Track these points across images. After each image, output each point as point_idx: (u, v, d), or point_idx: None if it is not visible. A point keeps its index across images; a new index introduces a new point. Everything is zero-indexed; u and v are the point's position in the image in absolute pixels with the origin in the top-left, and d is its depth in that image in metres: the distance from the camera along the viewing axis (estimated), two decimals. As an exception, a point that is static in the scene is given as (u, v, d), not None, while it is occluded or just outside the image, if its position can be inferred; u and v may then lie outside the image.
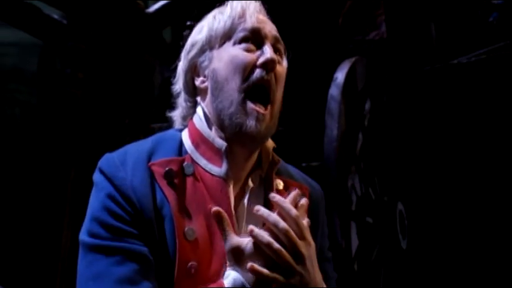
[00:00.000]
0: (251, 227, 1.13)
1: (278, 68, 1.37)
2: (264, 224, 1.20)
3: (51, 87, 3.97)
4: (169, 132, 1.45)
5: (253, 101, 1.32)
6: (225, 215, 1.17)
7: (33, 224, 3.58)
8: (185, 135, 1.40)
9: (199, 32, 1.43)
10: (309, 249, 1.16)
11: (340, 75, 3.32)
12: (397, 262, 3.48)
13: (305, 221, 1.19)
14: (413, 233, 3.64)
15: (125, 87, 2.98)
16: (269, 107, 1.34)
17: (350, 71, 3.36)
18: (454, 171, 3.79)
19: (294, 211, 1.16)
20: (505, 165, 3.62)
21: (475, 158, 3.75)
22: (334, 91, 3.27)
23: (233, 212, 1.32)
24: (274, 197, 1.15)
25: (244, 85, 1.32)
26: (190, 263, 1.22)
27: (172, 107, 1.55)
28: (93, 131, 2.81)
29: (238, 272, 1.15)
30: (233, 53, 1.35)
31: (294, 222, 1.15)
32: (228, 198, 1.31)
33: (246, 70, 1.33)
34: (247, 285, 1.13)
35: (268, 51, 1.34)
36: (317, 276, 1.18)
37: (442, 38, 4.39)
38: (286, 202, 1.16)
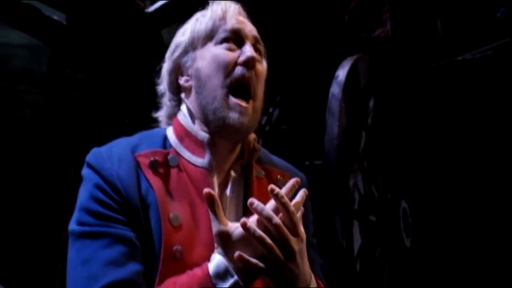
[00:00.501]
0: (244, 219, 1.13)
1: (258, 66, 1.43)
2: (245, 212, 1.25)
3: (61, 89, 4.01)
4: (155, 129, 1.51)
5: (235, 96, 1.37)
6: (217, 197, 1.18)
7: (34, 224, 3.62)
8: (170, 131, 1.46)
9: (183, 34, 1.49)
10: (300, 244, 1.17)
11: (342, 73, 3.31)
12: (401, 261, 3.47)
13: (299, 213, 1.19)
14: (418, 231, 3.62)
15: (124, 87, 3.00)
16: (251, 102, 1.39)
17: (352, 68, 3.35)
18: (459, 168, 3.76)
19: (291, 207, 1.16)
20: (510, 162, 3.59)
21: (480, 154, 3.71)
22: (335, 89, 3.26)
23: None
24: (274, 189, 1.15)
25: (227, 81, 1.38)
26: (175, 247, 1.25)
27: (158, 107, 1.59)
28: (93, 131, 2.84)
29: (223, 256, 1.16)
30: (215, 52, 1.41)
31: (289, 217, 1.16)
32: (212, 188, 1.32)
33: (228, 68, 1.39)
34: (231, 270, 1.14)
35: (248, 50, 1.41)
36: (306, 271, 1.20)
37: (449, 34, 4.36)
38: (284, 197, 1.15)
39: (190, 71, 1.45)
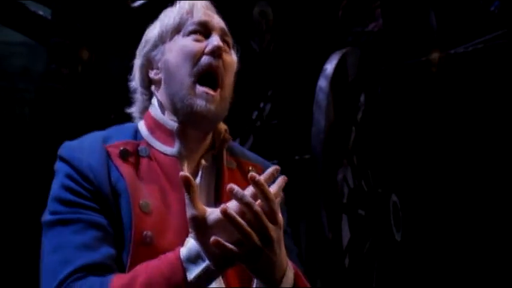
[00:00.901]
0: (224, 205, 1.13)
1: (226, 57, 1.46)
2: (216, 202, 1.27)
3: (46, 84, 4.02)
4: (126, 123, 1.56)
5: (203, 85, 1.40)
6: (194, 181, 1.17)
7: (35, 222, 3.61)
8: (141, 124, 1.50)
9: (153, 30, 1.54)
10: (278, 232, 1.17)
11: (329, 67, 3.32)
12: (391, 255, 3.46)
13: (277, 200, 1.19)
14: (409, 225, 3.61)
15: (110, 82, 3.01)
16: (218, 90, 1.42)
17: (340, 62, 3.35)
18: (450, 162, 3.75)
19: (270, 194, 1.16)
20: (501, 156, 3.57)
21: (472, 148, 3.70)
22: (323, 82, 3.27)
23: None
24: (255, 177, 1.15)
25: (194, 71, 1.41)
26: (145, 232, 1.27)
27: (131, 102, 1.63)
28: (79, 126, 2.84)
29: (196, 241, 1.16)
30: (182, 43, 1.45)
31: (268, 205, 1.16)
32: None
33: (195, 57, 1.42)
34: (203, 255, 1.14)
35: (215, 40, 1.44)
36: (283, 258, 1.20)
37: (443, 27, 4.34)
38: (264, 184, 1.15)
39: (159, 64, 1.48)
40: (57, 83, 2.77)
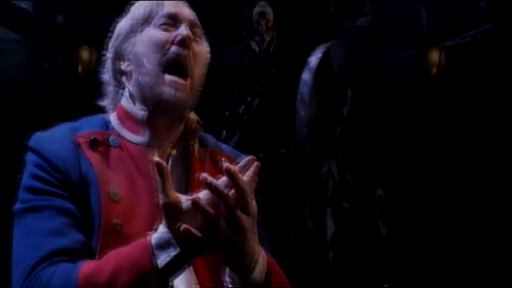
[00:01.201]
0: (196, 196, 1.12)
1: (196, 47, 1.46)
2: (186, 192, 1.24)
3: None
4: (97, 114, 1.53)
5: (171, 74, 1.40)
6: (166, 167, 1.16)
7: None
8: (112, 115, 1.49)
9: (123, 23, 1.52)
10: (251, 222, 1.15)
11: (313, 60, 3.31)
12: (376, 248, 3.45)
13: (252, 186, 1.18)
14: (394, 219, 3.60)
15: (93, 75, 3.01)
16: (188, 80, 1.41)
17: (324, 55, 3.34)
18: (437, 157, 3.75)
19: (244, 185, 1.15)
20: (487, 149, 3.56)
21: (459, 141, 3.70)
22: (306, 75, 3.26)
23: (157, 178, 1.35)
24: (230, 168, 1.14)
25: (162, 60, 1.40)
26: (114, 220, 1.26)
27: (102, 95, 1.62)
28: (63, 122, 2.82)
29: (167, 228, 1.15)
30: (151, 33, 1.45)
31: (241, 195, 1.15)
32: (150, 164, 1.34)
33: (164, 47, 1.42)
34: (173, 242, 1.13)
35: (183, 29, 1.43)
36: (256, 247, 1.19)
37: (434, 22, 4.33)
38: (238, 174, 1.14)
39: (130, 56, 1.47)
40: (39, 78, 2.77)
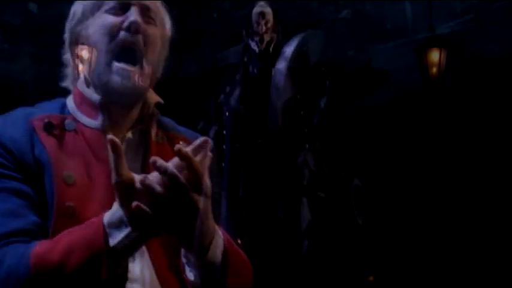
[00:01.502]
0: (142, 176, 1.12)
1: (148, 30, 1.43)
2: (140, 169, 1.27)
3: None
4: (54, 98, 1.54)
5: (120, 61, 1.37)
6: (120, 145, 1.16)
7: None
8: (69, 99, 1.47)
9: (78, 4, 1.51)
10: (205, 201, 1.16)
11: (288, 49, 3.31)
12: (352, 237, 3.45)
13: (203, 166, 1.18)
14: (371, 209, 3.60)
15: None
16: (138, 66, 1.39)
17: (299, 45, 3.34)
18: (416, 148, 3.75)
19: (196, 165, 1.15)
20: (467, 140, 3.56)
21: (439, 132, 3.70)
22: (281, 64, 3.26)
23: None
24: (181, 149, 1.15)
25: (111, 46, 1.38)
26: (68, 203, 1.26)
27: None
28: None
29: (121, 206, 1.14)
30: (102, 18, 1.43)
31: (194, 175, 1.15)
32: (106, 148, 1.34)
33: (112, 33, 1.39)
34: (126, 220, 1.13)
35: (132, 15, 1.41)
36: (210, 226, 1.19)
37: (417, 16, 4.33)
38: (189, 156, 1.14)
39: (83, 40, 1.46)
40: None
